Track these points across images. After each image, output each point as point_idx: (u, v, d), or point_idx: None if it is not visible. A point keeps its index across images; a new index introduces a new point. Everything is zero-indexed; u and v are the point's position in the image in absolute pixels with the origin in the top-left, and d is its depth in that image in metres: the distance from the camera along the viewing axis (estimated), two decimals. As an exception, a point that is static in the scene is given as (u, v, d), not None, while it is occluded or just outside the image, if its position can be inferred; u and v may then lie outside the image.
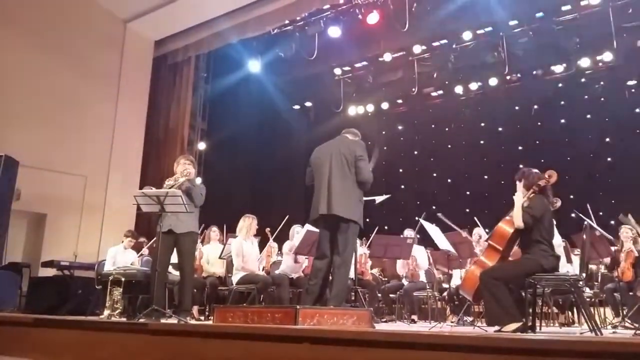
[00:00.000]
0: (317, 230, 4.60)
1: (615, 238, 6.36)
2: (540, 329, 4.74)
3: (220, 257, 6.65)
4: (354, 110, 12.65)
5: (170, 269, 5.64)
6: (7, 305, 6.52)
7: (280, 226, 6.44)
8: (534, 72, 10.83)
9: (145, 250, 7.02)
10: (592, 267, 7.15)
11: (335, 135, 4.73)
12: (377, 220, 8.39)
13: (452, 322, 6.71)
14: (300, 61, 10.45)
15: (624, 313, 6.09)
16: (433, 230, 5.89)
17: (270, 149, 12.27)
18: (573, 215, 6.00)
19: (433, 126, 12.99)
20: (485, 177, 12.12)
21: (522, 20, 9.69)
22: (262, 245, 6.75)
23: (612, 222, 6.77)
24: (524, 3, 9.24)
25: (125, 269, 6.05)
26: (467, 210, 11.91)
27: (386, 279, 8.12)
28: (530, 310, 4.15)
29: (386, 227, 10.25)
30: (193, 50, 10.22)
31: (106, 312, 5.29)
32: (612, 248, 6.32)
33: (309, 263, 6.03)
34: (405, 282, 7.15)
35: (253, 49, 10.80)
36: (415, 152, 13.30)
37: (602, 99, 10.89)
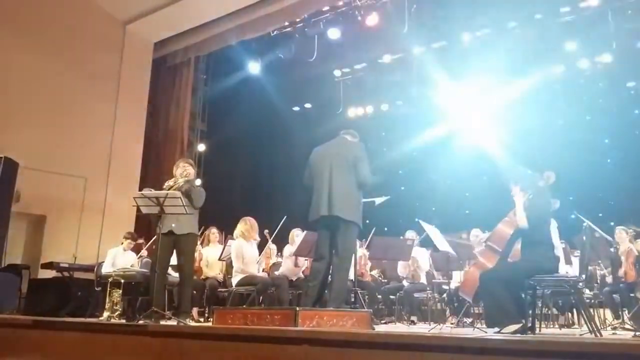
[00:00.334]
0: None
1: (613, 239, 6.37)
2: (540, 330, 4.75)
3: (219, 259, 6.65)
4: (353, 112, 12.65)
5: (170, 270, 5.64)
6: (7, 307, 6.52)
7: (279, 227, 6.44)
8: (533, 73, 10.83)
9: (144, 252, 7.01)
10: (593, 268, 7.14)
11: (335, 137, 4.73)
12: (377, 221, 8.38)
13: (451, 323, 6.69)
14: (299, 63, 10.44)
15: (625, 315, 6.10)
16: (432, 231, 5.89)
17: (270, 150, 12.27)
18: (572, 216, 6.00)
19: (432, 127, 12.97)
20: (485, 178, 12.11)
21: (521, 21, 9.69)
22: (261, 246, 6.74)
23: (612, 223, 6.77)
24: (523, 4, 9.24)
25: (124, 270, 6.05)
26: (467, 211, 11.93)
27: (386, 280, 8.12)
28: (530, 312, 4.15)
29: (385, 229, 10.24)
30: (192, 52, 10.22)
31: (106, 314, 5.29)
32: (611, 249, 6.33)
33: (309, 265, 6.03)
34: (405, 283, 7.15)
35: (252, 50, 10.80)
36: (415, 154, 13.29)
37: (601, 100, 10.89)
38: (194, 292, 6.16)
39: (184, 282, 5.15)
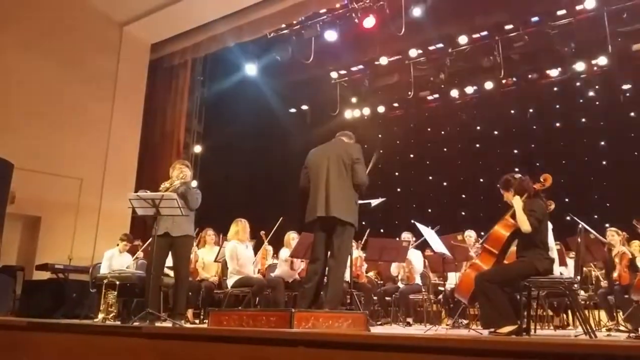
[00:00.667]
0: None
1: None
2: (535, 331, 4.76)
3: (215, 260, 6.64)
4: (350, 114, 12.68)
5: (167, 271, 5.63)
6: (1, 309, 6.48)
7: (275, 228, 6.44)
8: (529, 76, 10.88)
9: (140, 253, 6.99)
10: (588, 270, 7.17)
11: (332, 139, 4.73)
12: (373, 223, 8.40)
13: (447, 325, 6.71)
14: (296, 65, 10.45)
15: (619, 316, 6.12)
16: (428, 233, 5.90)
17: (267, 152, 12.27)
18: (568, 218, 6.02)
19: (429, 130, 13.02)
20: (481, 180, 12.15)
21: (518, 25, 9.73)
22: (256, 248, 6.74)
23: (607, 224, 6.80)
24: (519, 7, 9.28)
25: (119, 272, 6.04)
26: (463, 213, 11.96)
27: (382, 281, 8.12)
28: (525, 313, 4.16)
29: (382, 230, 10.26)
30: (190, 53, 10.21)
31: (100, 316, 5.27)
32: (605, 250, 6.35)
33: (305, 267, 6.02)
34: (400, 284, 7.15)
35: (250, 52, 10.81)
36: (411, 156, 13.33)
37: (597, 102, 10.95)
38: (190, 293, 6.15)
39: (179, 284, 5.13)
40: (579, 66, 10.15)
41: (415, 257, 7.18)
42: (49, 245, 8.38)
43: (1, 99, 8.11)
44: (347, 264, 4.56)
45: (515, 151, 12.23)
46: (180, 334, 3.27)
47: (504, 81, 10.83)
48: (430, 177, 13.12)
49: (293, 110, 13.33)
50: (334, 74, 11.97)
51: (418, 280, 7.13)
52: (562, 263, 6.07)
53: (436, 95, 11.98)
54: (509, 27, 9.81)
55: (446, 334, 3.96)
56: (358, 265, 6.93)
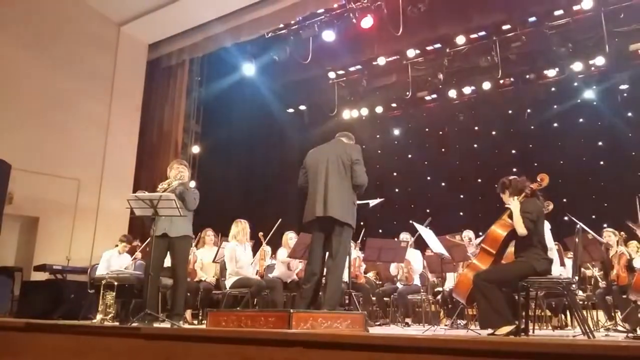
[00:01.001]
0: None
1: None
2: (533, 332, 4.77)
3: (214, 261, 6.64)
4: (348, 114, 12.68)
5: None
6: (-1, 310, 6.48)
7: (273, 229, 6.44)
8: (527, 76, 10.90)
9: (138, 254, 6.99)
10: (586, 270, 7.18)
11: (330, 139, 4.73)
12: (371, 223, 8.41)
13: (445, 325, 6.72)
14: (294, 65, 10.45)
15: (617, 316, 6.13)
16: (426, 233, 5.91)
17: (265, 152, 12.27)
18: (566, 218, 6.03)
19: (427, 130, 13.03)
20: (479, 180, 12.17)
21: (515, 25, 9.74)
22: (255, 249, 6.74)
23: (605, 225, 6.81)
24: (517, 7, 9.30)
25: (118, 273, 6.03)
26: (461, 213, 11.96)
27: (380, 282, 8.12)
28: (524, 313, 4.16)
29: (380, 231, 10.27)
30: (187, 53, 10.20)
31: (99, 317, 5.26)
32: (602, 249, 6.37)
33: (303, 267, 6.02)
34: (399, 285, 7.16)
35: (247, 52, 10.80)
36: (410, 156, 13.33)
37: (595, 103, 10.97)
38: (188, 294, 6.14)
39: (177, 285, 5.13)
40: (577, 66, 10.17)
41: (415, 258, 7.18)
42: (47, 246, 8.36)
43: (-2, 99, 8.10)
44: (346, 265, 4.56)
45: (513, 151, 12.24)
46: (179, 334, 3.27)
47: (501, 81, 10.84)
48: (429, 178, 13.13)
49: (291, 110, 13.33)
50: (331, 74, 11.97)
51: (417, 281, 7.13)
52: (561, 263, 6.08)
53: (434, 96, 11.98)
54: (506, 27, 9.82)
55: (444, 335, 3.96)
56: (357, 266, 6.94)
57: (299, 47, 10.06)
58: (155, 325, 4.56)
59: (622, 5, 8.81)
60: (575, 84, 10.82)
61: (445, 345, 2.23)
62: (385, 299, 7.33)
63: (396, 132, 13.41)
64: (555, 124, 11.73)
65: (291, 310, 3.63)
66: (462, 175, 12.51)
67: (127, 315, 5.69)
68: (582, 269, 6.61)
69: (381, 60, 10.85)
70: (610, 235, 6.36)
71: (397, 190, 13.21)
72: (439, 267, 6.44)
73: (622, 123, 10.73)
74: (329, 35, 9.64)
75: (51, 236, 8.50)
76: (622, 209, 6.35)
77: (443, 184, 13.03)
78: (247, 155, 12.01)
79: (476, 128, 12.52)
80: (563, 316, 7.54)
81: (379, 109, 12.44)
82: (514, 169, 10.34)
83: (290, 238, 6.56)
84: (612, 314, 6.35)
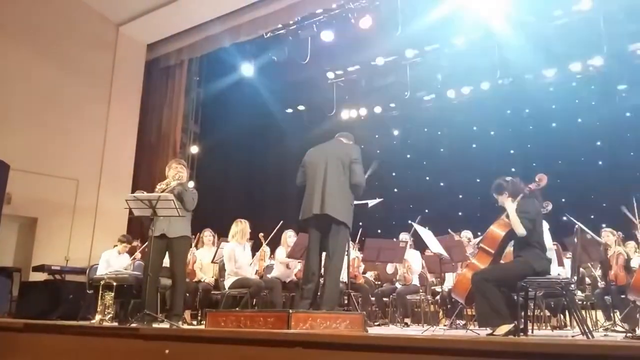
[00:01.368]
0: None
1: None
2: (532, 332, 4.77)
3: (212, 261, 6.63)
4: (346, 114, 12.68)
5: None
6: (-2, 310, 6.47)
7: (274, 232, 6.44)
8: (526, 76, 10.90)
9: (137, 254, 6.98)
10: (585, 270, 7.18)
11: (329, 139, 4.73)
12: (370, 223, 8.40)
13: (444, 325, 6.72)
14: (293, 65, 10.45)
15: (616, 316, 6.13)
16: (426, 233, 5.91)
17: (263, 152, 12.26)
18: (564, 218, 6.04)
19: (425, 130, 13.03)
20: (478, 180, 12.17)
21: (514, 25, 9.74)
22: (254, 249, 6.73)
23: (604, 225, 6.81)
24: (515, 7, 9.30)
25: (116, 273, 6.02)
26: (460, 213, 11.97)
27: (379, 282, 8.12)
28: (522, 313, 4.16)
29: (379, 231, 10.27)
30: (186, 53, 10.20)
31: (97, 317, 5.24)
32: (600, 249, 6.37)
33: (302, 268, 6.01)
34: (398, 285, 7.16)
35: (246, 52, 10.80)
36: (408, 156, 13.33)
37: (593, 102, 10.98)
38: (187, 294, 6.14)
39: (176, 285, 5.12)
40: (575, 66, 10.17)
41: (413, 258, 7.18)
42: (46, 246, 8.36)
43: (-3, 99, 8.09)
44: (344, 265, 4.56)
45: (512, 151, 12.25)
46: (178, 335, 3.26)
47: (500, 81, 10.85)
48: (427, 178, 13.13)
49: (289, 110, 13.32)
50: (330, 74, 11.96)
51: (415, 281, 7.13)
52: (560, 263, 6.09)
53: (432, 96, 11.98)
54: (504, 27, 9.81)
55: (444, 335, 3.96)
56: (355, 266, 6.93)
57: (298, 48, 10.06)
58: (154, 325, 4.56)
59: (621, 5, 8.82)
60: (574, 84, 10.83)
61: (445, 345, 2.23)
62: (384, 299, 7.33)
63: (395, 132, 13.40)
64: (554, 124, 11.74)
65: (290, 311, 3.63)
66: (460, 176, 12.51)
67: (125, 315, 5.69)
68: (581, 269, 6.61)
69: (380, 61, 10.85)
70: (608, 235, 6.37)
71: (395, 190, 13.21)
72: (438, 268, 6.44)
73: (620, 123, 10.74)
74: (327, 36, 9.64)
75: (50, 236, 8.49)
76: (620, 209, 6.36)
77: (442, 184, 13.04)
78: (246, 155, 12.00)
79: (475, 128, 12.52)
80: (562, 316, 7.54)
81: (377, 109, 12.43)
82: (513, 169, 10.35)
83: (289, 236, 6.54)
84: (611, 314, 6.35)
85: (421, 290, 7.04)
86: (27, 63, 8.49)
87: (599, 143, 11.33)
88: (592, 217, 9.21)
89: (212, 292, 6.64)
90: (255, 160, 12.11)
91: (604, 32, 8.91)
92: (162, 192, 4.95)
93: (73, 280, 7.25)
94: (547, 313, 7.39)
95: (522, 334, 3.91)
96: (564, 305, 6.95)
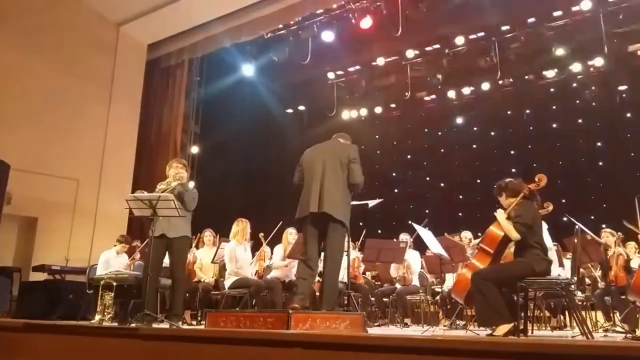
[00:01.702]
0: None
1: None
2: (532, 332, 4.76)
3: (212, 261, 6.63)
4: (347, 115, 12.69)
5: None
6: (-2, 310, 6.47)
7: (274, 232, 6.44)
8: (526, 77, 10.91)
9: (137, 254, 6.98)
10: (585, 271, 7.18)
11: (329, 139, 4.74)
12: (370, 224, 8.41)
13: (444, 325, 6.71)
14: (293, 65, 10.45)
15: (616, 317, 6.13)
16: (426, 234, 5.91)
17: (264, 152, 12.26)
18: (565, 219, 6.04)
19: (426, 130, 13.04)
20: (478, 181, 12.18)
21: (514, 25, 9.76)
22: (254, 249, 6.73)
23: (604, 225, 6.81)
24: (516, 8, 9.31)
25: (116, 273, 6.01)
26: (460, 214, 11.97)
27: (379, 283, 8.12)
28: (522, 314, 4.16)
29: (379, 231, 10.27)
30: (186, 53, 10.21)
31: (97, 317, 5.24)
32: (600, 249, 6.37)
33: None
34: (397, 285, 7.15)
35: (247, 53, 10.80)
36: (409, 157, 13.34)
37: (594, 103, 10.98)
38: (187, 294, 6.14)
39: (176, 285, 5.12)
40: (576, 67, 10.18)
41: (413, 258, 7.18)
42: (46, 246, 8.35)
43: (-3, 99, 8.09)
44: (341, 264, 4.55)
45: (512, 152, 12.26)
46: (178, 335, 3.27)
47: (500, 82, 10.84)
48: (428, 178, 13.14)
49: (290, 110, 13.33)
50: (331, 75, 11.97)
51: (415, 281, 7.13)
52: (559, 264, 6.09)
53: (433, 96, 11.98)
54: (505, 27, 9.83)
55: (443, 335, 3.96)
56: (356, 267, 6.93)
57: (298, 48, 10.07)
58: (154, 325, 4.56)
59: (621, 6, 8.83)
60: (574, 84, 10.83)
61: (444, 345, 2.23)
62: (384, 299, 7.33)
63: (395, 132, 13.40)
64: (554, 125, 11.75)
65: (290, 311, 3.63)
66: (461, 176, 12.52)
67: (125, 315, 5.68)
68: (581, 270, 6.61)
69: (380, 61, 10.86)
70: (608, 236, 6.36)
71: (396, 190, 13.21)
72: (437, 268, 6.44)
73: (621, 124, 10.75)
74: (328, 36, 9.65)
75: (50, 236, 8.49)
76: (620, 209, 6.36)
77: (442, 184, 13.04)
78: (246, 155, 12.00)
79: (475, 129, 12.53)
80: (562, 317, 7.54)
81: (378, 110, 12.44)
82: (513, 170, 10.36)
83: (290, 233, 6.51)
84: (611, 314, 6.35)
85: (421, 291, 7.04)
86: (27, 63, 8.49)
87: (599, 144, 11.33)
88: (592, 217, 9.21)
89: (212, 292, 6.64)
90: (255, 160, 12.11)
91: (605, 33, 8.91)
92: (162, 192, 4.94)
93: (73, 280, 7.25)
94: (547, 313, 7.39)
95: (521, 334, 3.91)
96: (563, 306, 6.96)
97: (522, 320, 4.10)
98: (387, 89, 11.93)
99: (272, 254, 7.04)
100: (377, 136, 13.33)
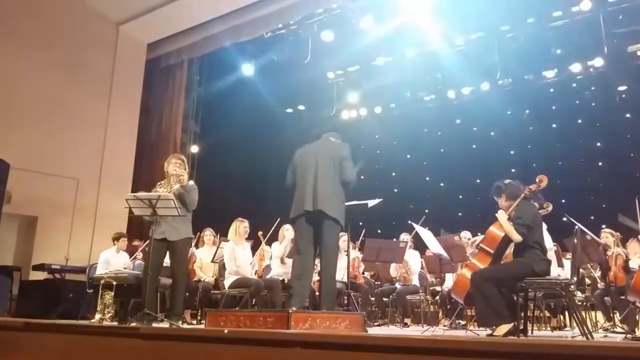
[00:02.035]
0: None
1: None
2: (532, 332, 4.77)
3: (212, 261, 6.63)
4: (347, 114, 12.68)
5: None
6: (-3, 309, 6.48)
7: (272, 229, 6.43)
8: (526, 77, 10.91)
9: (139, 254, 6.98)
10: (585, 271, 7.18)
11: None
12: (370, 223, 8.40)
13: (444, 325, 6.71)
14: (293, 65, 10.45)
15: (616, 317, 6.13)
16: (425, 234, 5.91)
17: (263, 152, 12.26)
18: (564, 219, 6.04)
19: (426, 130, 13.03)
20: (478, 181, 12.17)
21: (514, 26, 9.76)
22: (254, 248, 6.73)
23: (604, 225, 6.81)
24: (515, 8, 9.31)
25: (116, 272, 6.02)
26: (460, 214, 11.97)
27: (379, 282, 8.12)
28: (522, 314, 4.16)
29: (379, 231, 10.27)
30: (186, 53, 10.20)
31: (97, 316, 5.24)
32: (600, 249, 6.37)
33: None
34: (397, 285, 7.16)
35: (247, 52, 10.80)
36: (408, 156, 13.34)
37: (593, 103, 10.99)
38: (187, 294, 6.13)
39: (176, 285, 5.12)
40: (575, 67, 10.18)
41: (413, 258, 7.18)
42: (46, 245, 8.35)
43: (-3, 98, 8.09)
44: (344, 265, 4.56)
45: (512, 152, 12.25)
46: (178, 334, 3.27)
47: (500, 82, 10.85)
48: (427, 178, 13.13)
49: (290, 110, 13.32)
50: (330, 74, 11.97)
51: (415, 281, 7.13)
52: (559, 264, 6.09)
53: (433, 96, 11.98)
54: (505, 28, 9.83)
55: (443, 335, 3.96)
56: (355, 266, 6.93)
57: (298, 47, 10.07)
58: (154, 325, 4.55)
59: (621, 6, 8.83)
60: (574, 85, 10.83)
61: (444, 345, 2.23)
62: (384, 299, 7.33)
63: (395, 132, 13.39)
64: (554, 125, 11.75)
65: (290, 311, 3.63)
66: (460, 176, 12.51)
67: (125, 315, 5.69)
68: (581, 270, 6.62)
69: (380, 60, 10.85)
70: (608, 236, 6.37)
71: (395, 190, 13.21)
72: (437, 268, 6.44)
73: (620, 124, 10.75)
74: (328, 36, 9.64)
75: (50, 236, 8.49)
76: (620, 209, 6.36)
77: (442, 184, 13.04)
78: (246, 155, 11.99)
79: (475, 129, 12.52)
80: (562, 317, 7.54)
81: (377, 109, 12.43)
82: (513, 170, 10.36)
83: (287, 229, 6.49)
84: (611, 314, 6.35)
85: (421, 291, 7.04)
86: (27, 62, 8.48)
87: (599, 144, 11.33)
88: (592, 217, 9.21)
89: (212, 291, 6.64)
90: (255, 160, 12.10)
91: (604, 33, 8.91)
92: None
93: (73, 279, 7.25)
94: (547, 314, 7.39)
95: (521, 334, 3.92)
96: (563, 306, 6.96)
97: (522, 321, 4.11)
98: (386, 89, 11.92)
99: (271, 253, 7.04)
100: (377, 136, 13.33)
